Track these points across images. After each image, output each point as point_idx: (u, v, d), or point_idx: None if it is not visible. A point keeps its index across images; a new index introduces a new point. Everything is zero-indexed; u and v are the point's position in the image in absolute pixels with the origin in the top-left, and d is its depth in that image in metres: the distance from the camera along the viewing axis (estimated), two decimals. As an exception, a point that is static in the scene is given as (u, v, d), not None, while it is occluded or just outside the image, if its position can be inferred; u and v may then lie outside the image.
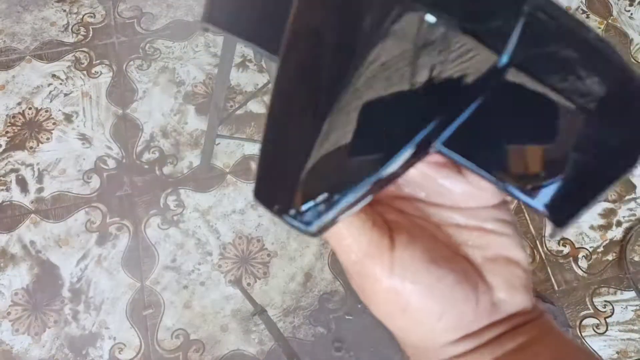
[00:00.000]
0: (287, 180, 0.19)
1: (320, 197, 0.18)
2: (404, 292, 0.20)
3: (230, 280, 1.15)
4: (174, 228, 1.19)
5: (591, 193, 0.19)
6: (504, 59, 0.17)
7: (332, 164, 0.19)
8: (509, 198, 0.22)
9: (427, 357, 0.23)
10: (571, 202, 0.19)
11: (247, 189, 1.24)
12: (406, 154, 0.18)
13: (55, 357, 1.07)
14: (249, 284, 1.15)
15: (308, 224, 0.19)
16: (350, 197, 0.18)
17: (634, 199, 1.27)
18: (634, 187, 1.28)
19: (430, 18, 0.16)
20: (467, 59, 0.17)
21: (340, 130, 0.18)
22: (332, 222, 0.19)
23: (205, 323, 1.11)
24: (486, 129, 0.19)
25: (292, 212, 0.19)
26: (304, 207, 0.19)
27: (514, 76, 0.18)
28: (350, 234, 0.20)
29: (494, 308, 0.22)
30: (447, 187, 0.22)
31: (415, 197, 0.23)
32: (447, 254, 0.22)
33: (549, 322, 0.23)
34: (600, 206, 1.26)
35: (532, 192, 0.19)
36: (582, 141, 0.19)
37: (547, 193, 0.19)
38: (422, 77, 0.17)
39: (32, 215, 1.19)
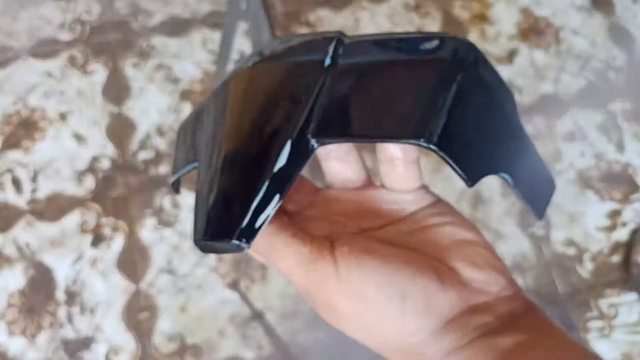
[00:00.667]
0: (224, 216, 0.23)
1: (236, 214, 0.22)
2: (356, 284, 0.21)
3: (227, 283, 1.13)
4: (170, 229, 1.18)
5: None
6: (327, 60, 0.23)
7: (237, 186, 0.23)
8: (426, 184, 0.25)
9: (417, 359, 0.22)
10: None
11: (245, 189, 1.22)
12: (285, 151, 0.22)
13: (51, 359, 1.06)
14: (246, 288, 1.14)
15: (230, 236, 0.22)
16: (257, 200, 0.22)
17: (639, 200, 1.26)
18: (638, 187, 1.27)
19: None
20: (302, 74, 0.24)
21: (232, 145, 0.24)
22: (253, 228, 0.21)
23: (202, 327, 1.10)
24: (342, 108, 0.23)
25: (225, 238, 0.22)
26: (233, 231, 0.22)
27: (344, 69, 0.23)
28: (290, 250, 0.22)
29: (465, 288, 0.22)
30: (375, 210, 0.25)
31: (357, 228, 0.25)
32: (393, 249, 0.22)
33: (544, 319, 0.22)
34: (605, 207, 1.24)
35: (423, 135, 0.21)
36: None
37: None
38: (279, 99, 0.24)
39: (27, 215, 1.18)
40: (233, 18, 0.86)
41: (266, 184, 0.22)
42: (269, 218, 0.22)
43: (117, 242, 1.16)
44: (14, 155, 1.25)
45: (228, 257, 1.16)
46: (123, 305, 1.11)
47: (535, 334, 0.21)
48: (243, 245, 0.22)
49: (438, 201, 0.25)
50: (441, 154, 0.21)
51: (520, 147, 0.24)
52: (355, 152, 0.26)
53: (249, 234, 0.22)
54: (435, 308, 0.21)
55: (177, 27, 1.41)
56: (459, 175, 0.21)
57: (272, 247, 0.23)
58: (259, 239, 0.22)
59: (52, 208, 1.19)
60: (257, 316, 1.04)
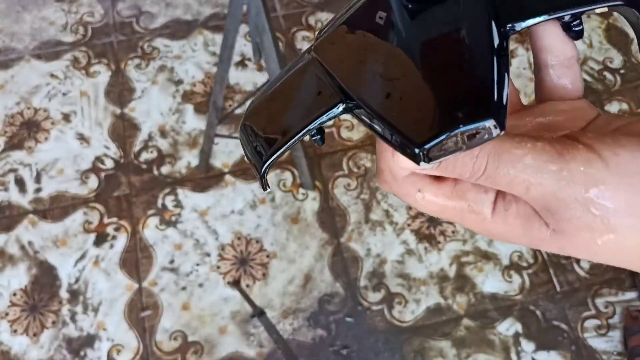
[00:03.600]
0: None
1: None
2: (629, 168, 0.17)
3: (229, 281, 1.14)
4: (172, 229, 1.19)
5: None
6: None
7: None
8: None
9: None
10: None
11: (246, 189, 1.23)
12: (494, 30, 0.20)
13: (54, 358, 1.07)
14: (247, 286, 1.14)
15: (496, 119, 0.18)
16: (496, 75, 0.19)
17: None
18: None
19: None
20: None
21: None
22: (502, 105, 0.18)
23: (203, 325, 1.11)
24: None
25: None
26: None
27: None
28: (530, 151, 0.18)
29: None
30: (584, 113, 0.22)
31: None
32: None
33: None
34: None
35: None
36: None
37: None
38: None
39: (30, 215, 1.19)
40: (234, 20, 0.87)
41: (495, 59, 0.19)
42: (508, 96, 0.18)
43: (120, 241, 1.17)
44: (17, 155, 1.25)
45: (229, 255, 1.16)
46: (126, 304, 1.11)
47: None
48: (498, 128, 0.17)
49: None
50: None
51: None
52: (577, 65, 0.23)
53: (501, 111, 0.17)
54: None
55: (179, 29, 1.42)
56: None
57: (495, 148, 0.18)
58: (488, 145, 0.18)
59: (55, 208, 1.20)
60: (258, 314, 1.04)
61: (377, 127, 0.19)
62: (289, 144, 0.22)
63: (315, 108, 0.22)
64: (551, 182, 0.17)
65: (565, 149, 0.18)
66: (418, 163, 0.17)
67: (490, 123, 0.17)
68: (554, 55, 0.22)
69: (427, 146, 0.17)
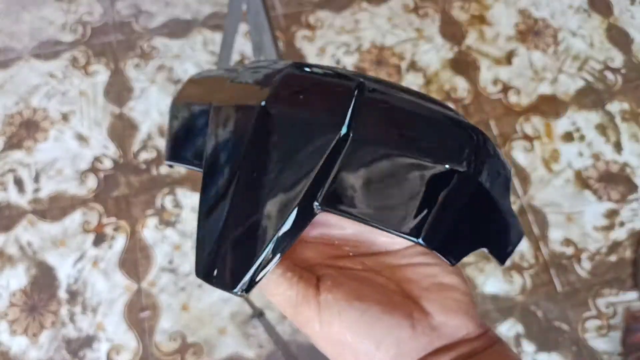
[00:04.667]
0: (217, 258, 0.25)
1: (238, 266, 0.24)
2: (336, 331, 0.23)
3: (228, 281, 1.13)
4: (171, 229, 1.18)
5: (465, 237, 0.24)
6: (344, 129, 0.24)
7: (241, 239, 0.24)
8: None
9: None
10: (453, 241, 0.24)
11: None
12: (292, 217, 0.23)
13: (53, 358, 1.06)
14: (247, 286, 1.14)
15: (232, 287, 0.24)
16: (260, 259, 0.23)
17: (637, 199, 1.26)
18: (636, 187, 1.27)
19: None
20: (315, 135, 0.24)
21: (239, 212, 0.25)
22: (253, 282, 0.24)
23: (203, 326, 1.10)
24: (352, 189, 0.24)
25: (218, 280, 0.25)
26: (229, 277, 0.24)
27: (358, 145, 0.24)
28: (279, 291, 0.24)
29: (435, 332, 0.23)
30: (371, 239, 0.26)
31: (351, 252, 0.27)
32: (375, 291, 0.24)
33: (507, 351, 0.24)
34: (603, 207, 1.25)
35: (412, 233, 0.23)
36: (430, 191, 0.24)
37: (427, 234, 0.23)
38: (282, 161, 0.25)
39: (29, 215, 1.19)
40: (234, 19, 0.86)
41: (270, 246, 0.23)
42: (267, 274, 0.24)
43: (119, 242, 1.17)
44: (16, 155, 1.25)
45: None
46: (125, 304, 1.11)
47: None
48: (241, 294, 0.24)
49: None
50: (429, 248, 0.23)
51: (503, 223, 0.26)
52: None
53: (249, 287, 0.24)
54: (404, 354, 0.23)
55: (178, 28, 1.42)
56: (442, 259, 0.24)
57: (266, 286, 0.25)
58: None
59: (54, 208, 1.20)
60: (258, 315, 1.04)
61: None
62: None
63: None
64: (291, 318, 0.24)
65: (303, 299, 0.24)
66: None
67: (233, 292, 0.24)
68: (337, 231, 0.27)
69: (205, 280, 0.25)
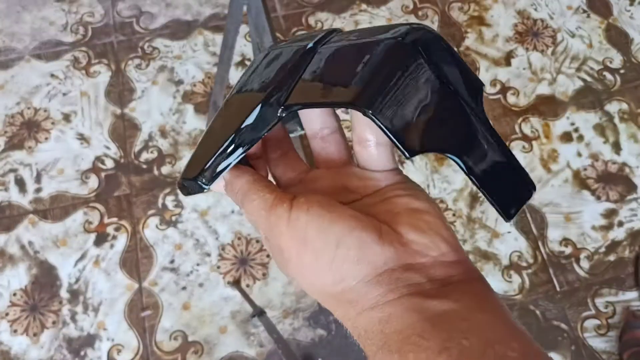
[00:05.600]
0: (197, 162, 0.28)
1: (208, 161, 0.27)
2: (301, 227, 0.23)
3: (229, 281, 1.14)
4: (173, 228, 1.19)
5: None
6: (310, 44, 0.27)
7: (212, 137, 0.27)
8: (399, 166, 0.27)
9: (349, 306, 0.23)
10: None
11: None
12: (255, 112, 0.26)
13: (54, 358, 1.07)
14: (248, 286, 1.14)
15: (196, 178, 0.27)
16: (221, 148, 0.26)
17: (635, 199, 1.27)
18: (635, 187, 1.28)
19: None
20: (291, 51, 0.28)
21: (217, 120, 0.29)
22: (215, 172, 0.26)
23: (203, 325, 1.11)
24: (308, 82, 0.26)
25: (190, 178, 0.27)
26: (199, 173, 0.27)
27: (321, 55, 0.27)
28: (258, 195, 0.25)
29: (403, 247, 0.23)
30: (346, 186, 0.27)
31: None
32: (347, 208, 0.24)
33: (484, 292, 0.23)
34: (601, 206, 1.25)
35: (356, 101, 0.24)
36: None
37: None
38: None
39: (31, 215, 1.19)
40: (234, 21, 0.87)
41: (232, 136, 0.26)
42: (230, 166, 0.26)
43: (120, 241, 1.17)
44: (17, 155, 1.25)
45: (229, 255, 1.17)
46: (126, 304, 1.12)
47: (467, 304, 0.21)
48: (204, 186, 0.27)
49: (407, 181, 0.27)
50: (377, 121, 0.23)
51: (477, 137, 0.25)
52: (338, 134, 0.28)
53: (210, 177, 0.26)
54: (367, 259, 0.22)
55: (179, 29, 1.42)
56: (395, 144, 0.23)
57: (245, 191, 0.26)
58: (235, 181, 0.27)
59: (55, 208, 1.20)
60: (259, 314, 1.04)
61: None
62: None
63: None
64: (263, 223, 0.25)
65: (278, 200, 0.25)
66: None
67: (196, 183, 0.27)
68: (321, 127, 0.28)
69: (179, 181, 0.29)
